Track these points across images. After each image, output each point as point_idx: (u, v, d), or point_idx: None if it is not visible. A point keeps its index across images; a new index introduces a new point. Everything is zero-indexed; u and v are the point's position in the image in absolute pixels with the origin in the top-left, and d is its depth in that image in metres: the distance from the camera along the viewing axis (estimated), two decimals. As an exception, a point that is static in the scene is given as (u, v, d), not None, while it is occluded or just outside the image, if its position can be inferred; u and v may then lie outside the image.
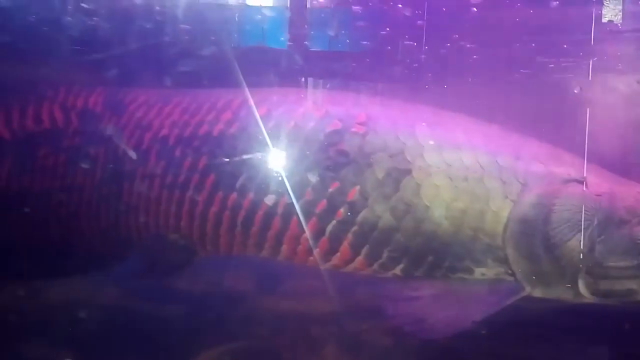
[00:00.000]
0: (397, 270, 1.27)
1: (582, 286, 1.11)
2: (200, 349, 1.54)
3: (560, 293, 1.14)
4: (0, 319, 1.54)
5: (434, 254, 1.20)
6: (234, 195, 1.28)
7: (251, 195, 1.28)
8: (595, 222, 1.09)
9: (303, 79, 1.55)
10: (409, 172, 1.19)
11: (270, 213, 1.28)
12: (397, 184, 1.19)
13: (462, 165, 1.18)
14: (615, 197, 1.11)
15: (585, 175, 1.14)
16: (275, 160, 1.28)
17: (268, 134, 1.28)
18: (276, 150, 1.27)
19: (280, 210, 1.28)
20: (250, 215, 1.28)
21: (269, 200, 1.28)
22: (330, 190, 1.23)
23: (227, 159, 1.30)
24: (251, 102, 1.30)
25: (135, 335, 1.54)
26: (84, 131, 1.49)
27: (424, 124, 1.22)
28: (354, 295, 1.55)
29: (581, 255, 1.09)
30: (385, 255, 1.24)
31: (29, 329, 1.55)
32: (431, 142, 1.19)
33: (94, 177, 1.46)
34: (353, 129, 1.22)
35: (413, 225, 1.20)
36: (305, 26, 1.88)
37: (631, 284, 1.07)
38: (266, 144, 1.28)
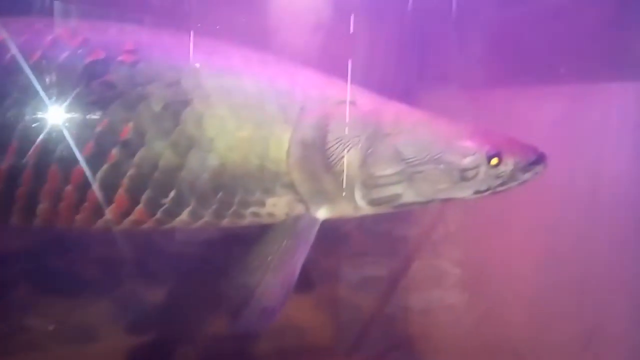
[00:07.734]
0: (185, 214, 1.18)
1: (358, 198, 1.21)
2: None
3: (343, 208, 1.23)
4: None
5: (223, 189, 1.16)
6: None
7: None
8: (364, 137, 1.19)
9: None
10: (189, 102, 1.10)
11: (18, 166, 1.04)
12: (177, 116, 1.09)
13: (243, 92, 1.14)
14: (379, 114, 1.23)
15: (354, 97, 1.23)
16: (21, 101, 1.03)
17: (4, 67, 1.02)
18: (19, 86, 1.03)
19: (32, 161, 1.05)
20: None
21: (17, 151, 1.04)
22: (97, 129, 1.06)
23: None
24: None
25: None
26: None
27: (199, 51, 1.14)
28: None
29: (356, 168, 1.19)
30: (169, 198, 1.14)
31: None
32: (209, 70, 1.12)
33: None
34: (120, 58, 1.07)
35: (198, 160, 1.12)
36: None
37: (396, 189, 1.21)
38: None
